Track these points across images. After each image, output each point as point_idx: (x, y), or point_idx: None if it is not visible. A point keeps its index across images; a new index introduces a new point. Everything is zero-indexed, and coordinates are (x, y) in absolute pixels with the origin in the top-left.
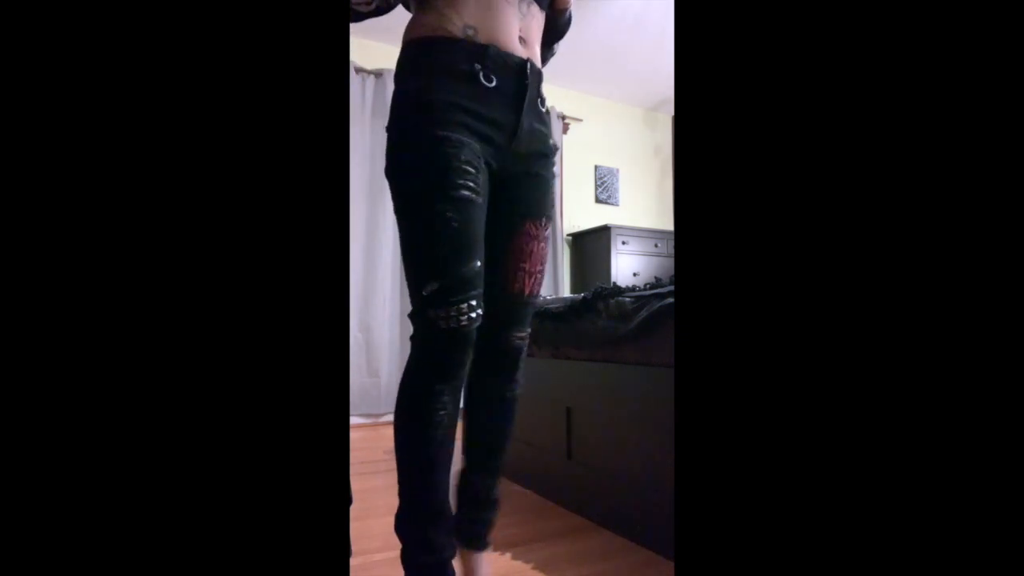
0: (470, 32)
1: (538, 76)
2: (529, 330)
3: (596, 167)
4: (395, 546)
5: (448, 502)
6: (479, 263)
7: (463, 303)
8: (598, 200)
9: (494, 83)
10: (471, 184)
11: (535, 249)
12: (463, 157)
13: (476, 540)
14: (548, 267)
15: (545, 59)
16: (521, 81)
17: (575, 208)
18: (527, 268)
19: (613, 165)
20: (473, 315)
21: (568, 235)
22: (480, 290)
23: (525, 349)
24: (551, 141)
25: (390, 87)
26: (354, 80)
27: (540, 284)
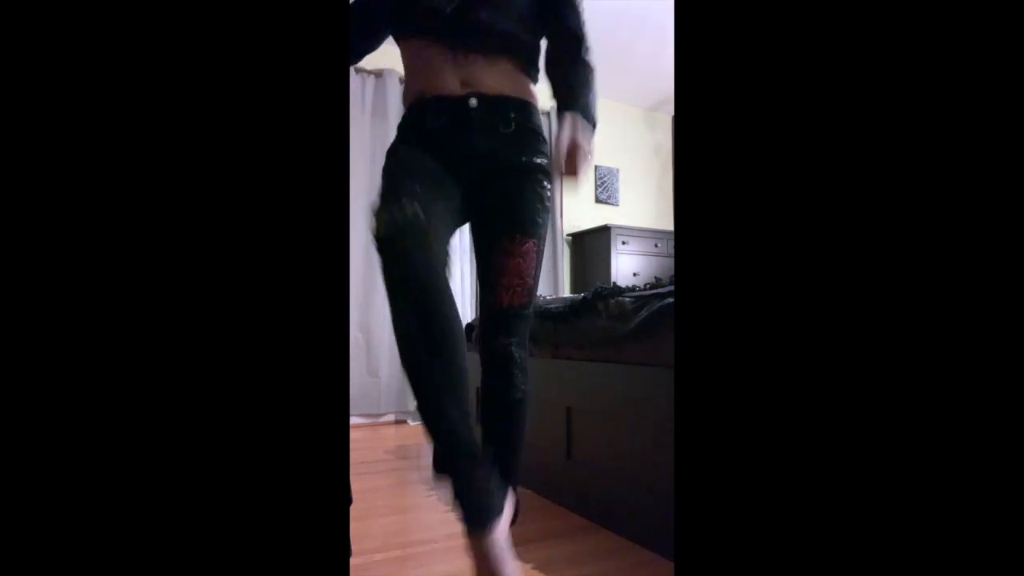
0: (420, 93)
1: (490, 105)
2: (516, 337)
3: (596, 167)
4: (395, 546)
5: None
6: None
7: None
8: (598, 200)
9: (436, 123)
10: (416, 189)
11: (510, 264)
12: (406, 176)
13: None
14: (548, 267)
15: (563, 82)
16: (459, 116)
17: (575, 208)
18: (504, 283)
19: (613, 165)
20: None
21: (568, 235)
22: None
23: (517, 354)
24: (524, 159)
25: (390, 87)
26: (354, 80)
27: (522, 295)
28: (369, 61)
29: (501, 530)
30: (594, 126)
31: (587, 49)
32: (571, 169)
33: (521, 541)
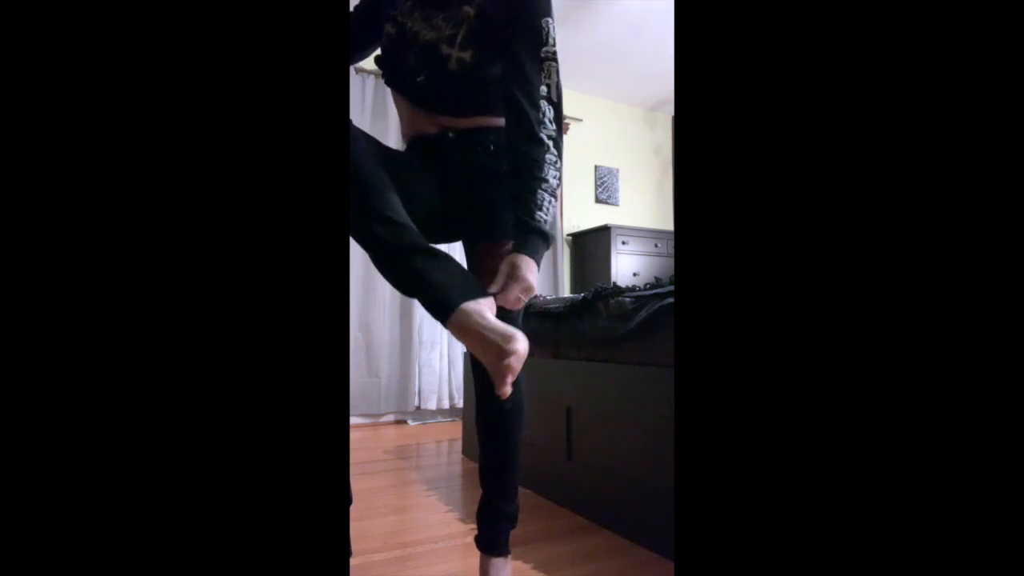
0: (406, 134)
1: (467, 135)
2: None
3: (596, 167)
4: (395, 546)
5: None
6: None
7: None
8: (598, 200)
9: (419, 154)
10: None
11: (490, 267)
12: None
13: (494, 547)
14: (548, 267)
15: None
16: (435, 148)
17: (575, 208)
18: (484, 285)
19: (613, 165)
20: None
21: (568, 235)
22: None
23: None
24: (505, 167)
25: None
26: (354, 80)
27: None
28: (369, 61)
29: (479, 302)
30: (548, 243)
31: (543, 124)
32: (509, 303)
33: (521, 541)
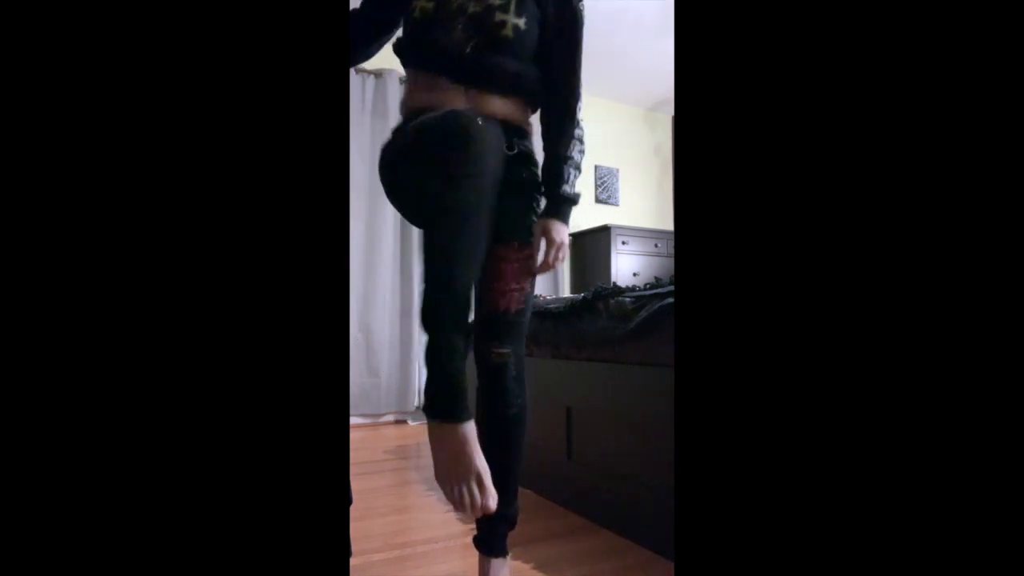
0: (422, 109)
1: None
2: (510, 346)
3: (596, 167)
4: (395, 546)
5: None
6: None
7: None
8: (598, 200)
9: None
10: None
11: (509, 270)
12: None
13: (492, 548)
14: None
15: (551, 157)
16: None
17: (575, 208)
18: (500, 287)
19: (613, 165)
20: None
21: (568, 235)
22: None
23: (511, 365)
24: (525, 175)
25: (390, 87)
26: (354, 80)
27: (519, 301)
28: (369, 61)
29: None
30: (575, 201)
31: (580, 99)
32: (547, 266)
33: (521, 541)
